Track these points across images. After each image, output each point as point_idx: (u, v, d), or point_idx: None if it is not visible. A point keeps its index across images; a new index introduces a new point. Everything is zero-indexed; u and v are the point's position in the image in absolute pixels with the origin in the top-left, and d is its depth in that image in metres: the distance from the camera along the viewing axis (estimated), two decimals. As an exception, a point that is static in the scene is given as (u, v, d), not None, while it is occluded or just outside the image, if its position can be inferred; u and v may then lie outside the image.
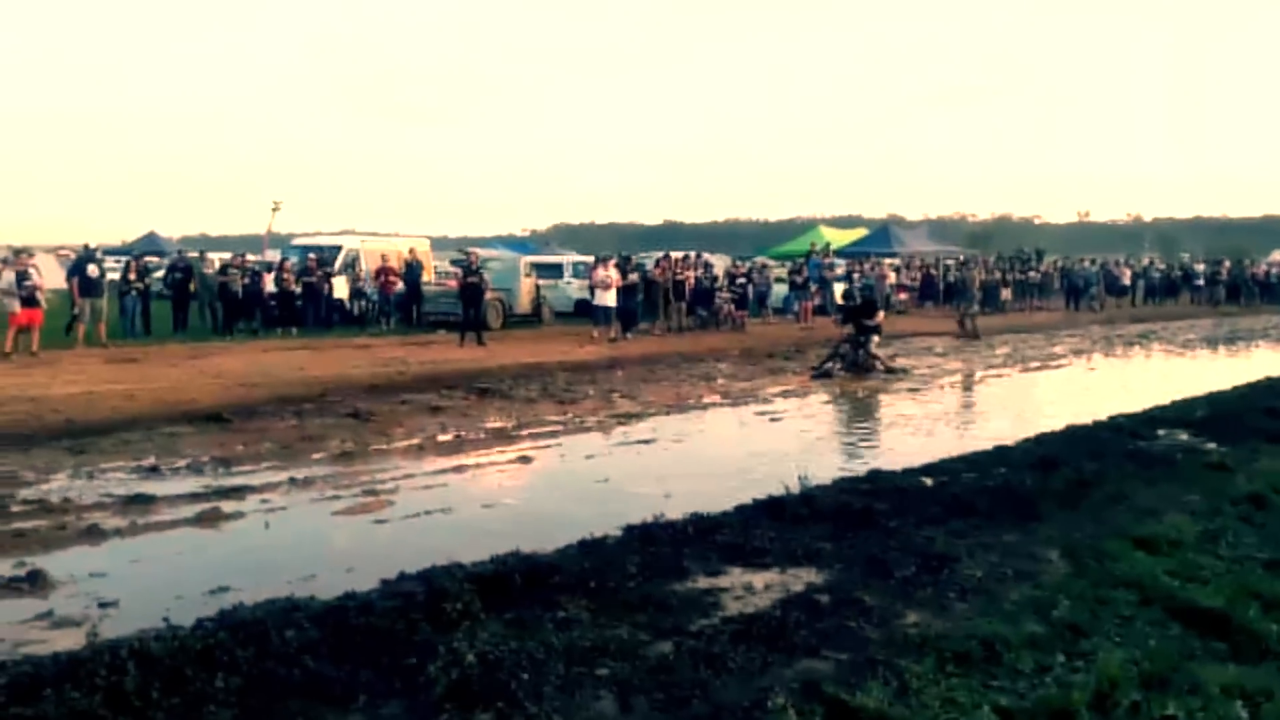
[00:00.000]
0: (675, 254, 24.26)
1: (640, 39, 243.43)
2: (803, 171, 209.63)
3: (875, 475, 7.76)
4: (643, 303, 21.66)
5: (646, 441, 10.23)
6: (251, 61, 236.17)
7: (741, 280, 24.72)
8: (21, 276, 16.36)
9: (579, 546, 5.76)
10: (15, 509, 7.05)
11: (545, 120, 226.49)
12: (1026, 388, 15.77)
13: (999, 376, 16.67)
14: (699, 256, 25.65)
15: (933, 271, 33.03)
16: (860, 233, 42.93)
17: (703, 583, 5.28)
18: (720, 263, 29.09)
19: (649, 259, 26.02)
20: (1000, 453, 8.82)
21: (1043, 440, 9.44)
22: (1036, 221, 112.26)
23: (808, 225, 56.19)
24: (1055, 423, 10.41)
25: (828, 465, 8.30)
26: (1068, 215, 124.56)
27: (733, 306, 23.73)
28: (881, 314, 17.03)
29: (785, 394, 13.73)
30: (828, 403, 12.95)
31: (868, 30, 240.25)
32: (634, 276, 21.29)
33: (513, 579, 4.91)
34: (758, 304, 25.28)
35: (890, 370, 15.90)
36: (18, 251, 19.35)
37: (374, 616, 4.47)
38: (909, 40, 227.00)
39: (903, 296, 30.40)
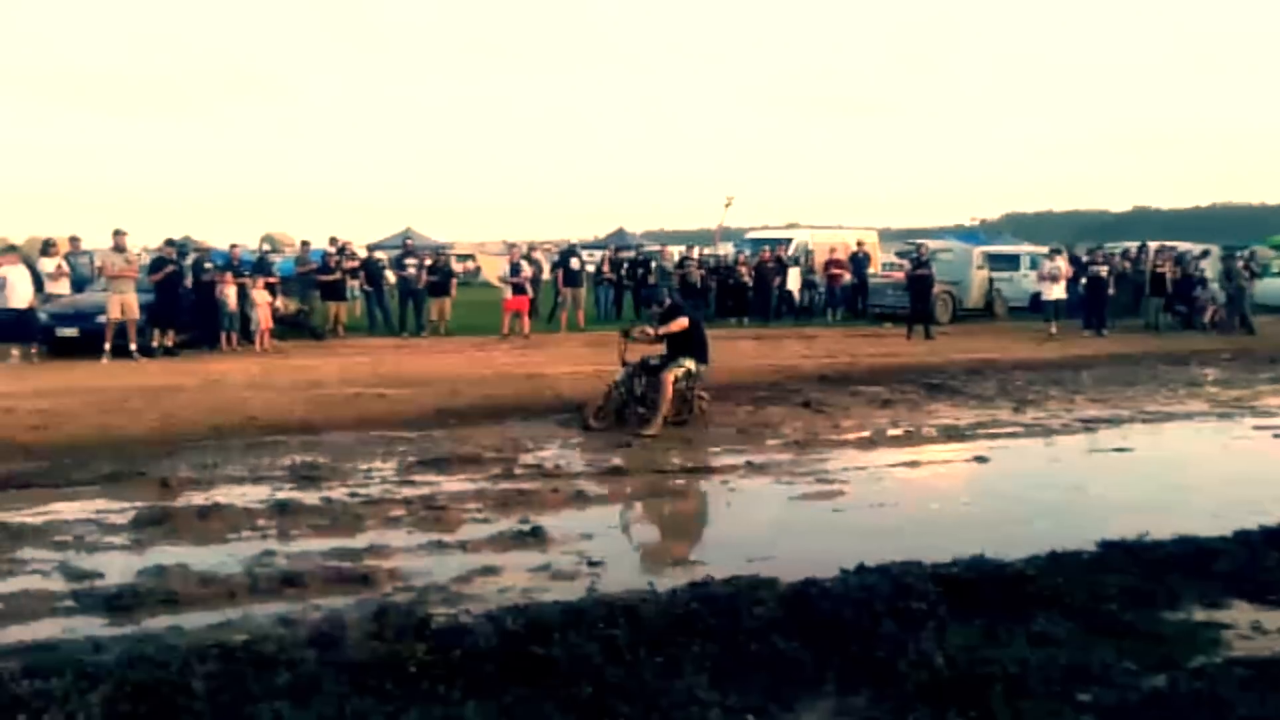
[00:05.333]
0: (1153, 244, 21.97)
1: (1098, 11, 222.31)
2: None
3: None
4: (1114, 298, 19.90)
5: (1118, 450, 9.32)
6: (701, 64, 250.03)
7: (1245, 274, 21.64)
8: (514, 268, 18.81)
9: (1049, 558, 5.39)
10: (518, 471, 8.06)
11: (996, 106, 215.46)
12: None
13: None
14: (1202, 255, 22.92)
15: None
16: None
17: (1199, 615, 4.70)
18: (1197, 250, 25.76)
19: (1118, 249, 23.80)
20: None
21: None
22: None
23: (1320, 209, 47.98)
24: None
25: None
26: None
27: (1215, 304, 20.91)
28: (683, 322, 9.84)
29: (1293, 406, 11.83)
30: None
31: None
32: (1102, 269, 19.57)
33: (981, 585, 4.71)
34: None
35: (678, 421, 9.75)
36: (511, 246, 22.30)
37: (837, 604, 4.51)
38: None
39: None
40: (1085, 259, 20.90)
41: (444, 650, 3.93)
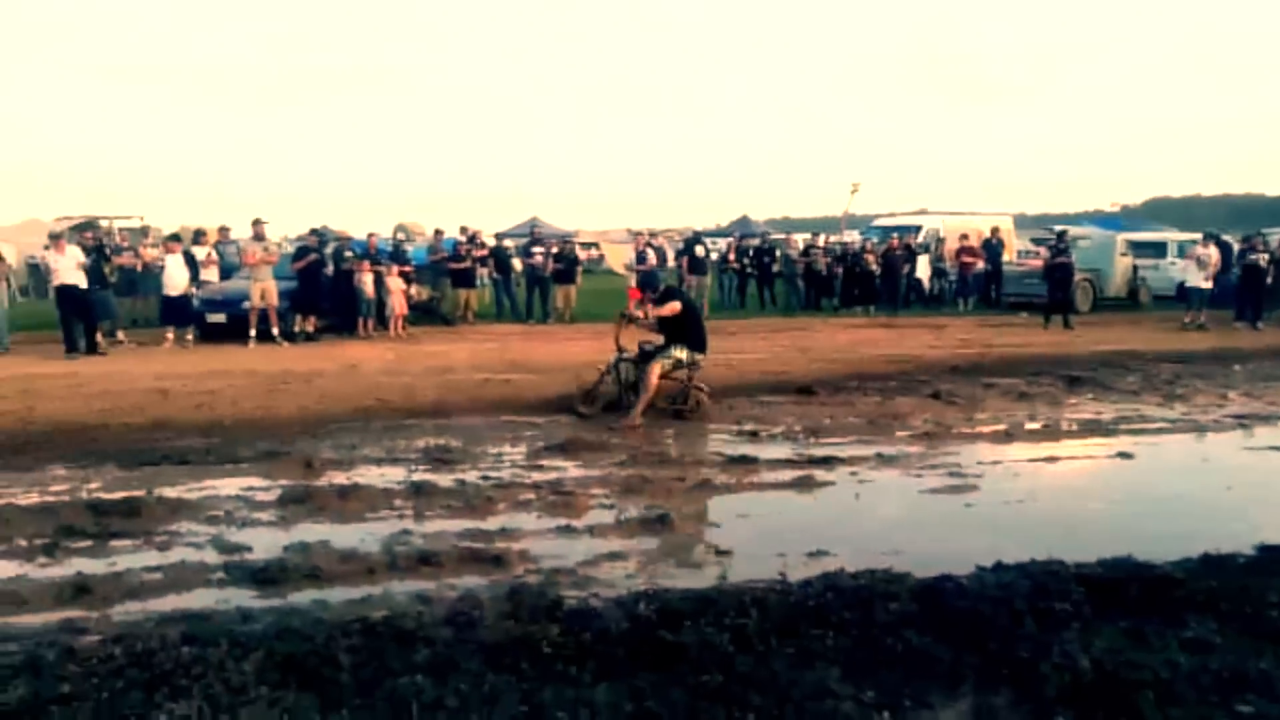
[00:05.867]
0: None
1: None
2: None
3: None
4: (1271, 288, 18.81)
5: (1275, 449, 8.78)
6: (827, 48, 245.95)
7: None
8: (640, 256, 18.93)
9: (1201, 560, 5.12)
10: (643, 458, 8.08)
11: (1137, 86, 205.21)
12: None
13: None
14: None
15: None
16: None
17: (1374, 626, 4.38)
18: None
19: (1275, 235, 22.39)
20: None
21: None
22: None
23: None
24: None
25: None
26: None
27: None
28: (674, 306, 9.73)
29: None
30: None
31: None
32: (1261, 257, 18.51)
33: (1127, 586, 4.51)
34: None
35: (680, 412, 9.66)
36: (635, 234, 22.46)
37: (973, 601, 4.39)
38: None
39: None
40: (1241, 246, 19.78)
41: (575, 633, 3.99)
